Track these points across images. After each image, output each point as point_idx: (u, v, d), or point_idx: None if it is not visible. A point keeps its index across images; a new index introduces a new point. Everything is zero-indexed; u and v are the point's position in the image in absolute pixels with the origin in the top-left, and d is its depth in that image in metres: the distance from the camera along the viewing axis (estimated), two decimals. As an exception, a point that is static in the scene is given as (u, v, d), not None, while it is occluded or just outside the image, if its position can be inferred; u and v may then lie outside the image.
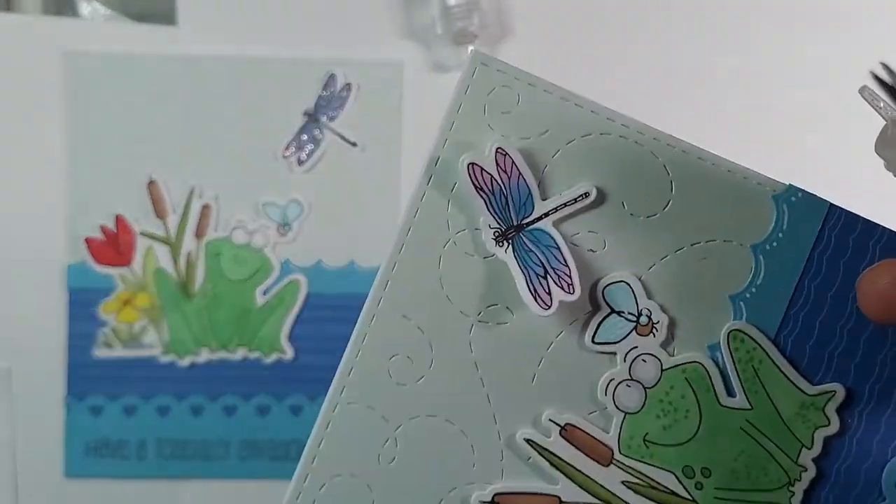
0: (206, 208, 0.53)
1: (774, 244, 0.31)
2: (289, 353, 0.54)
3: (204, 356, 0.52)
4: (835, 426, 0.31)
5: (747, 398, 0.31)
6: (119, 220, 0.52)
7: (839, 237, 0.30)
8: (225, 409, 0.52)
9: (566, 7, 0.54)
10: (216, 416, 0.51)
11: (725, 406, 0.31)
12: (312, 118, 0.51)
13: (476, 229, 0.30)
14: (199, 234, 0.52)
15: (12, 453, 0.49)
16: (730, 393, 0.31)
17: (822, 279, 0.31)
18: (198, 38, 0.50)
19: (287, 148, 0.51)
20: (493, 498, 0.31)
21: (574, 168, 0.30)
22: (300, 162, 0.54)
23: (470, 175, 0.29)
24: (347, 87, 0.52)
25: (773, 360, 0.31)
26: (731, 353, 0.30)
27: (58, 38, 0.49)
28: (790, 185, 0.31)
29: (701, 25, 0.54)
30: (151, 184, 0.52)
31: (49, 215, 0.51)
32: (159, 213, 0.53)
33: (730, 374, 0.31)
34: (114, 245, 0.52)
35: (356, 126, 0.51)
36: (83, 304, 0.51)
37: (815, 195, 0.31)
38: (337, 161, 0.52)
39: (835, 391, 0.31)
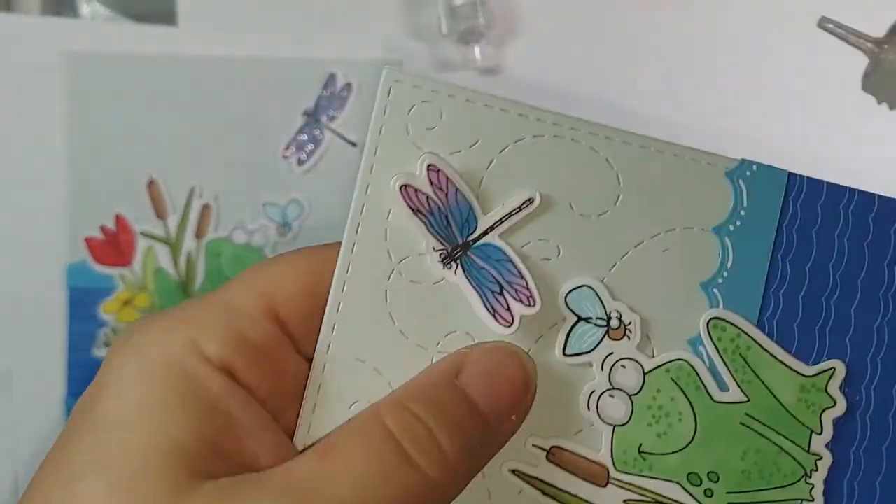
0: (206, 208, 0.52)
1: (738, 223, 0.28)
2: (290, 354, 0.53)
3: (204, 358, 0.51)
4: (841, 406, 0.28)
5: (741, 390, 0.28)
6: (119, 219, 0.52)
7: (805, 206, 0.28)
8: (225, 412, 0.51)
9: (575, 2, 0.53)
10: (217, 418, 0.50)
11: (720, 402, 0.28)
12: (312, 118, 0.50)
13: (420, 255, 0.28)
14: (199, 234, 0.51)
15: (12, 453, 0.49)
16: (721, 387, 0.28)
17: (796, 253, 0.28)
18: (198, 39, 0.50)
19: (287, 148, 0.51)
20: None
21: (513, 176, 0.28)
22: (300, 162, 0.53)
23: (404, 198, 0.27)
24: (347, 86, 0.51)
25: (760, 345, 0.28)
26: (714, 344, 0.28)
27: (57, 38, 0.49)
28: (743, 159, 0.28)
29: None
30: (151, 184, 0.51)
31: (49, 215, 0.50)
32: (159, 213, 0.53)
33: (717, 367, 0.28)
34: (114, 245, 0.52)
35: (356, 126, 0.50)
36: (83, 304, 0.51)
37: (772, 166, 0.28)
38: (337, 161, 0.52)
39: (834, 368, 0.28)
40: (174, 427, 0.25)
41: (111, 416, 0.25)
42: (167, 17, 0.50)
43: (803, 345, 0.28)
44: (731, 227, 0.28)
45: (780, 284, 0.28)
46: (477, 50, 0.51)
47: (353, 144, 0.51)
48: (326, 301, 0.28)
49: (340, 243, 0.28)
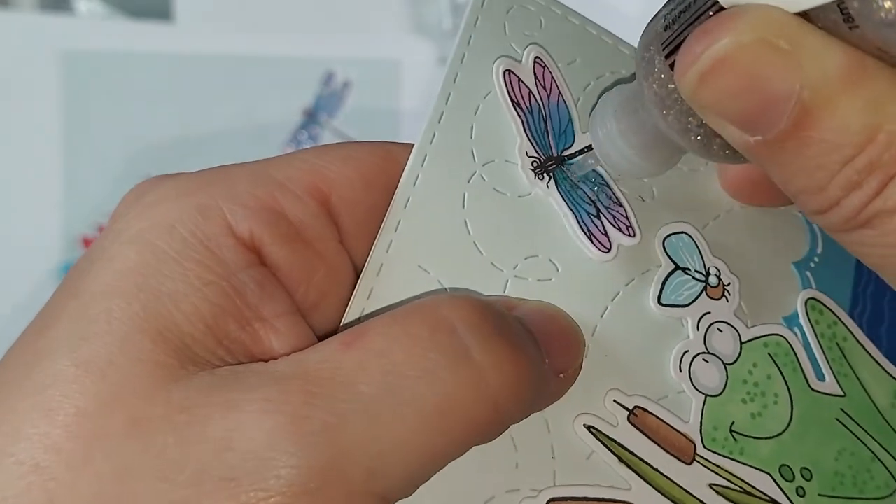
0: (204, 207, 0.50)
1: None
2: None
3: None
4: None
5: (838, 383, 0.26)
6: (116, 219, 0.49)
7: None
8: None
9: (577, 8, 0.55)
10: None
11: (817, 391, 0.25)
12: (311, 116, 0.50)
13: (507, 161, 0.24)
14: (197, 234, 0.48)
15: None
16: (818, 376, 0.26)
17: None
18: (195, 36, 0.49)
19: (286, 146, 0.50)
20: None
21: None
22: None
23: (506, 86, 0.24)
24: (346, 84, 0.50)
25: (856, 339, 0.26)
26: (812, 327, 0.26)
27: (54, 35, 0.49)
28: None
29: None
30: None
31: (45, 214, 0.49)
32: (157, 212, 0.50)
33: (815, 352, 0.26)
34: (111, 244, 0.48)
35: (355, 124, 0.50)
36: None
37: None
38: (336, 159, 0.51)
39: (928, 377, 0.26)
40: (168, 301, 0.19)
41: (96, 284, 0.19)
42: (164, 14, 0.49)
43: (892, 350, 0.27)
44: None
45: (866, 284, 0.28)
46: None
47: (353, 143, 0.51)
48: (388, 195, 0.23)
49: (412, 144, 0.24)
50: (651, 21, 0.20)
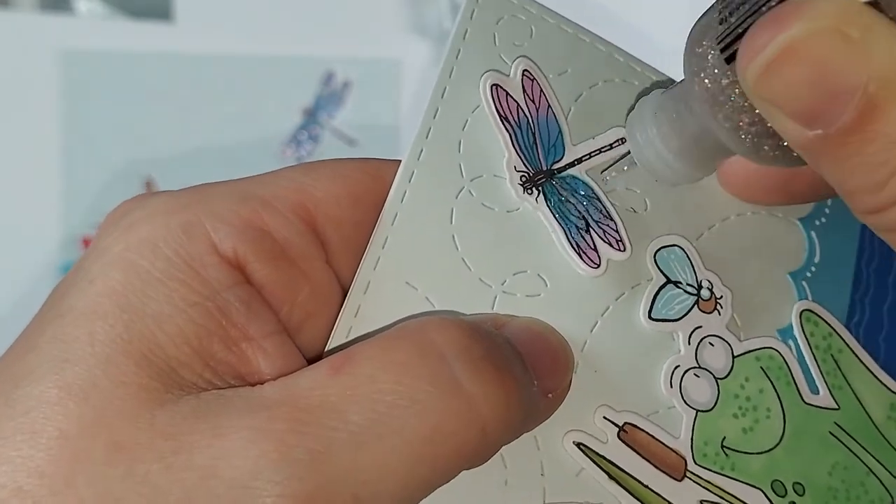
0: (203, 206, 0.50)
1: (824, 220, 0.27)
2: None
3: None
4: (934, 433, 0.25)
5: (832, 396, 0.25)
6: (116, 219, 0.50)
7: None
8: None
9: (577, 8, 0.55)
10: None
11: (810, 405, 0.25)
12: (311, 116, 0.50)
13: (495, 176, 0.24)
14: (196, 233, 0.49)
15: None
16: (812, 389, 0.25)
17: (879, 263, 0.27)
18: (195, 36, 0.50)
19: (286, 146, 0.50)
20: None
21: (600, 116, 0.25)
22: (299, 160, 0.53)
23: (494, 100, 0.24)
24: (346, 84, 0.51)
25: (852, 350, 0.26)
26: (806, 339, 0.25)
27: (54, 35, 0.49)
28: None
29: None
30: (148, 183, 0.50)
31: (45, 214, 0.49)
32: (156, 213, 0.50)
33: (809, 365, 0.25)
34: (110, 244, 0.49)
35: (355, 124, 0.50)
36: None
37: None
38: (336, 159, 0.52)
39: (926, 388, 0.26)
40: (151, 322, 0.19)
41: (79, 305, 0.19)
42: (164, 14, 0.49)
43: (890, 359, 0.26)
44: (818, 222, 0.27)
45: (864, 292, 0.27)
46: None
47: (353, 142, 0.50)
48: (376, 212, 0.23)
49: (399, 161, 0.24)
50: (702, 17, 0.20)
